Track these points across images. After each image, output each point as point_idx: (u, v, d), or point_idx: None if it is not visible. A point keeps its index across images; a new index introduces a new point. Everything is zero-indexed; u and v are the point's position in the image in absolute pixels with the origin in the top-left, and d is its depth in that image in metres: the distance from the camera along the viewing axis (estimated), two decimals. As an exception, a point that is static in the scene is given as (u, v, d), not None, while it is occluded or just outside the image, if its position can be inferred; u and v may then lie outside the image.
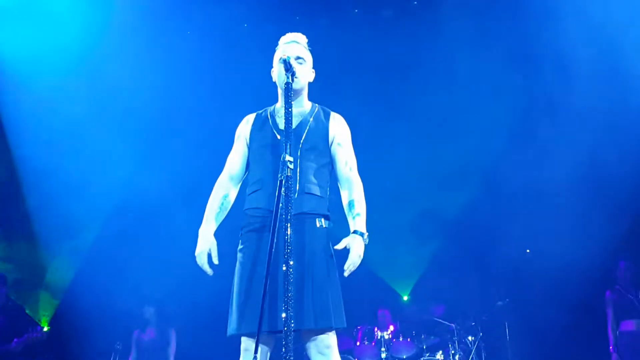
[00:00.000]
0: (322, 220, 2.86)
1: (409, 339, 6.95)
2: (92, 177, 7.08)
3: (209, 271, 2.90)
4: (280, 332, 2.41)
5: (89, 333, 6.73)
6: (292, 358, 2.32)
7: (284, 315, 2.38)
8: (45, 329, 7.04)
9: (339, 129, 3.07)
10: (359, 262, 2.79)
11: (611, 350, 6.19)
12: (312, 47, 3.16)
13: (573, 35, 6.32)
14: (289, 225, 2.48)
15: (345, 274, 2.78)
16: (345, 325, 2.79)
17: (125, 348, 6.75)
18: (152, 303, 7.01)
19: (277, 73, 3.04)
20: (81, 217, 7.29)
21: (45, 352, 6.13)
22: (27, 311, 6.39)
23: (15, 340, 5.53)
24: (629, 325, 6.11)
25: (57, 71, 6.58)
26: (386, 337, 6.90)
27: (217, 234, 2.99)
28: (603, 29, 6.23)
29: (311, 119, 3.03)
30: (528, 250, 7.89)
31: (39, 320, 7.35)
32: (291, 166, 2.55)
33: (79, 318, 6.86)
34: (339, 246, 2.81)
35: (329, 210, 2.94)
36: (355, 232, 2.84)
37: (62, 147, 6.89)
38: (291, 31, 3.16)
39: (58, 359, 6.60)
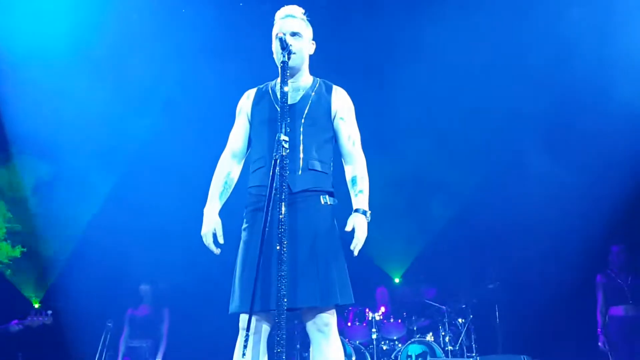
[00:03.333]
0: (327, 197, 2.84)
1: (399, 321, 7.00)
2: (87, 160, 7.04)
3: (216, 250, 2.88)
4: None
5: (80, 312, 6.73)
6: (284, 336, 2.34)
7: (277, 295, 2.38)
8: (37, 306, 7.04)
9: (341, 103, 3.02)
10: (363, 239, 2.79)
11: (599, 332, 6.25)
12: (311, 22, 3.09)
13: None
14: (283, 204, 2.47)
15: (355, 253, 2.78)
16: (352, 301, 2.78)
17: (117, 326, 6.75)
18: (147, 281, 7.03)
19: (274, 49, 2.98)
20: (77, 195, 7.26)
21: (46, 337, 6.07)
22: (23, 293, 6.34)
23: (15, 321, 5.43)
24: (619, 310, 6.16)
25: (51, 60, 6.52)
26: (377, 318, 6.95)
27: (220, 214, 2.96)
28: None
29: (313, 93, 2.98)
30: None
31: (30, 299, 7.35)
32: (286, 145, 2.53)
33: (70, 296, 6.87)
34: (348, 228, 2.80)
35: (333, 187, 2.92)
36: (357, 210, 2.83)
37: (60, 129, 6.83)
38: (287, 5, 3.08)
39: (47, 339, 6.57)
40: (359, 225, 2.79)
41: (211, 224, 2.88)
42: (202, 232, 2.88)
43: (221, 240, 2.90)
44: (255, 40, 3.99)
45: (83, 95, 6.80)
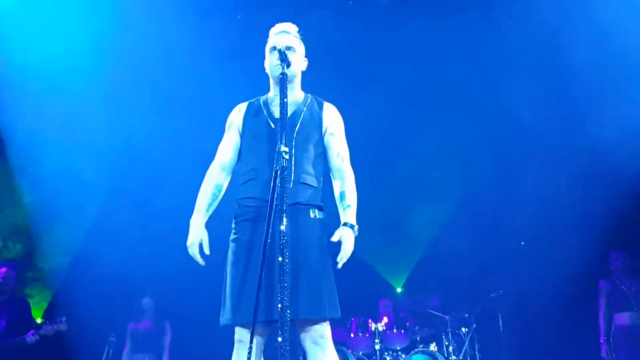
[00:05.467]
0: (316, 211, 2.87)
1: (402, 331, 6.97)
2: (88, 167, 7.05)
3: (201, 262, 2.90)
4: (275, 322, 2.41)
5: (82, 325, 6.71)
6: (288, 348, 2.33)
7: (279, 305, 2.38)
8: (39, 320, 7.01)
9: (332, 119, 3.07)
10: (350, 252, 2.81)
11: (601, 341, 6.20)
12: (306, 37, 3.15)
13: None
14: (284, 215, 2.48)
15: (339, 265, 2.80)
16: (339, 315, 2.79)
17: (120, 340, 6.74)
18: (150, 294, 7.02)
19: (269, 63, 3.04)
20: (75, 208, 7.26)
21: (50, 353, 6.06)
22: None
23: (32, 332, 5.42)
24: (623, 319, 6.10)
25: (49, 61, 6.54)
26: (380, 328, 6.92)
27: (209, 225, 2.97)
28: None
29: (305, 109, 3.02)
30: (522, 243, 7.92)
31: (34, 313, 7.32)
32: (286, 156, 2.55)
33: (73, 311, 6.83)
34: (334, 238, 2.82)
35: (322, 201, 2.94)
36: (345, 224, 2.86)
37: (56, 135, 6.84)
38: (284, 22, 3.16)
39: (51, 354, 6.55)
40: (346, 239, 2.81)
41: (197, 235, 2.89)
42: (188, 243, 2.89)
43: (207, 252, 2.91)
44: (252, 54, 4.03)
45: (86, 111, 6.84)
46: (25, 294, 7.31)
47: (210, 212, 3.00)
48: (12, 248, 7.33)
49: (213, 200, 3.01)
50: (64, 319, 5.53)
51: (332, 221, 2.95)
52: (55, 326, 5.46)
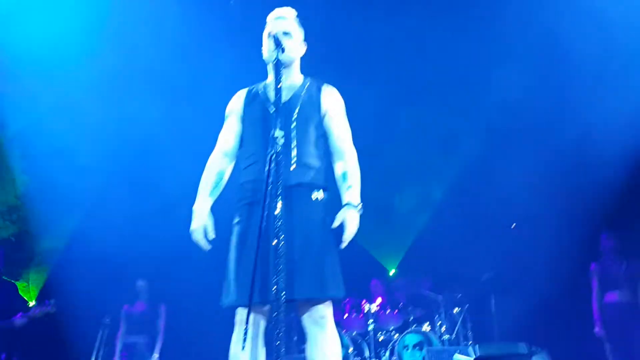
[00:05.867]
0: (320, 191, 2.87)
1: (396, 311, 7.01)
2: (83, 149, 7.02)
3: (206, 247, 2.89)
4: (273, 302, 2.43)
5: (76, 308, 6.73)
6: (283, 329, 2.35)
7: (274, 288, 2.39)
8: (32, 303, 7.02)
9: (331, 101, 3.06)
10: (354, 232, 2.81)
11: (595, 319, 6.28)
12: (303, 22, 3.13)
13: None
14: (279, 199, 2.49)
15: (342, 245, 2.80)
16: (343, 293, 2.81)
17: (114, 323, 6.75)
18: (143, 277, 7.03)
19: (266, 49, 3.03)
20: (71, 189, 7.23)
21: (43, 335, 6.06)
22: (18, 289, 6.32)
23: (20, 314, 5.41)
24: (613, 296, 6.19)
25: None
26: (373, 309, 6.96)
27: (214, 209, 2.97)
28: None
29: (303, 92, 3.02)
30: (514, 225, 7.95)
31: (27, 295, 7.33)
32: (280, 142, 2.55)
33: (67, 293, 6.85)
34: (335, 224, 2.82)
35: (325, 182, 2.94)
36: (348, 204, 2.85)
37: (54, 121, 6.79)
38: (279, 7, 3.13)
39: (45, 336, 6.56)
40: (349, 218, 2.80)
41: (201, 221, 2.89)
42: (191, 228, 2.90)
43: (212, 236, 2.91)
44: (248, 41, 4.00)
45: (80, 93, 6.79)
46: (20, 275, 7.31)
47: (214, 198, 3.01)
48: (4, 227, 7.31)
49: (216, 186, 3.01)
50: (52, 301, 5.52)
51: (337, 202, 2.93)
52: (43, 308, 5.46)
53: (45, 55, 6.49)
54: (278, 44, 2.82)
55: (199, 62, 7.01)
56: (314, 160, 2.90)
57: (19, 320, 5.39)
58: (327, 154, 3.03)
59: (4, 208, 7.32)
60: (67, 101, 6.82)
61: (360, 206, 2.86)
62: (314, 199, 2.84)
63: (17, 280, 7.13)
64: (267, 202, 2.50)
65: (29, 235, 7.45)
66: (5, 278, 6.14)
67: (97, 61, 6.68)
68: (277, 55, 2.78)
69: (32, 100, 6.71)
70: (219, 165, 3.05)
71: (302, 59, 3.16)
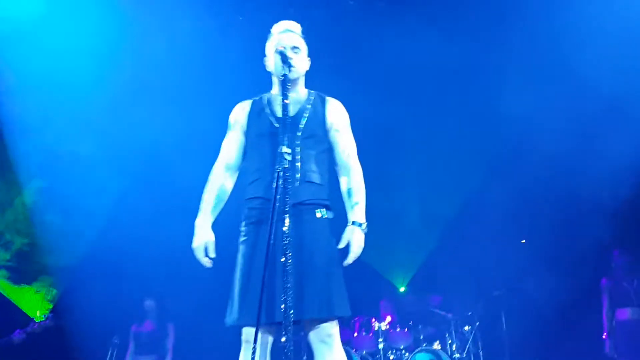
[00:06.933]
0: (323, 210, 2.84)
1: (406, 330, 6.97)
2: (94, 170, 7.06)
3: (207, 264, 2.86)
4: (280, 323, 2.41)
5: (86, 327, 6.72)
6: (292, 349, 2.33)
7: (282, 306, 2.38)
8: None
9: (336, 115, 3.03)
10: (360, 252, 2.79)
11: (604, 337, 6.20)
12: (307, 37, 3.12)
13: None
14: (286, 216, 2.48)
15: (345, 263, 2.78)
16: (349, 313, 2.77)
17: (123, 342, 6.74)
18: (152, 296, 7.02)
19: (273, 63, 3.00)
20: (83, 210, 7.27)
21: (53, 355, 6.05)
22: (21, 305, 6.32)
23: (17, 330, 5.40)
24: (624, 313, 6.12)
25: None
26: (383, 327, 6.92)
27: (215, 226, 2.94)
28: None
29: (309, 106, 2.98)
30: (523, 241, 7.91)
31: (36, 316, 7.33)
32: (288, 157, 2.54)
33: (76, 312, 6.86)
34: (341, 244, 2.79)
35: (329, 199, 2.91)
36: (353, 223, 2.83)
37: (65, 141, 6.85)
38: (283, 19, 3.11)
39: (55, 355, 6.55)
40: (355, 238, 2.78)
41: (203, 238, 2.86)
42: (193, 246, 2.86)
43: (212, 255, 2.86)
44: (251, 53, 4.02)
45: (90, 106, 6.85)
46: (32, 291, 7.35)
47: (216, 213, 2.97)
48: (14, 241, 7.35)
49: (218, 201, 2.97)
50: (50, 314, 5.53)
51: (342, 220, 2.91)
52: (42, 323, 5.46)
53: (59, 67, 6.54)
54: (285, 60, 2.80)
55: (209, 71, 7.02)
56: (318, 177, 2.86)
57: (17, 336, 5.38)
58: (331, 169, 3.00)
59: (15, 223, 7.35)
60: (79, 120, 6.87)
61: (365, 225, 2.83)
62: (318, 217, 2.81)
63: (25, 293, 7.14)
64: (274, 220, 2.48)
65: (37, 249, 7.46)
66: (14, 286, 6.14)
67: (111, 74, 6.71)
68: (285, 71, 2.77)
69: (43, 121, 6.77)
70: (221, 179, 3.01)
71: (311, 71, 3.14)
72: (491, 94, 7.27)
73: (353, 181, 2.93)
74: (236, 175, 3.08)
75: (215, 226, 2.95)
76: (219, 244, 2.92)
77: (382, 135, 7.50)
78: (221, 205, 3.00)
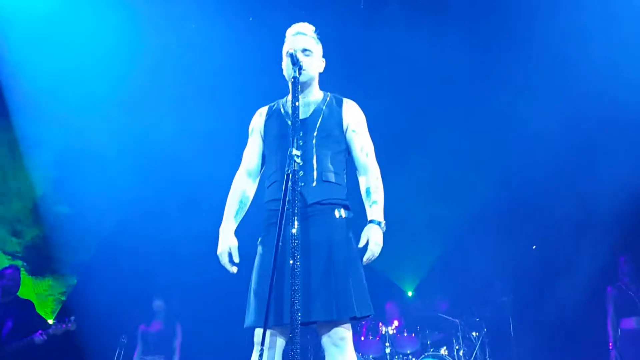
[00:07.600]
0: (342, 210, 2.84)
1: (413, 335, 6.95)
2: (104, 171, 7.10)
3: (232, 269, 2.87)
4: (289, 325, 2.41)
5: (94, 326, 6.75)
6: (298, 351, 2.33)
7: (293, 309, 2.38)
8: (51, 321, 7.06)
9: (352, 115, 3.04)
10: (378, 250, 2.77)
11: (610, 347, 6.15)
12: (323, 38, 3.12)
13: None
14: (295, 218, 2.48)
15: (364, 262, 2.77)
16: (372, 312, 2.75)
17: (131, 342, 6.77)
18: (160, 297, 7.05)
19: (285, 66, 3.03)
20: (92, 211, 7.31)
21: (61, 354, 6.08)
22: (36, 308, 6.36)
23: (39, 332, 5.43)
24: (630, 323, 6.06)
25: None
26: (390, 332, 6.91)
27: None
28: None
29: (324, 107, 3.01)
30: (534, 247, 7.89)
31: (45, 315, 7.38)
32: (298, 160, 2.55)
33: (85, 311, 6.89)
34: (361, 243, 2.79)
35: (347, 198, 2.92)
36: (372, 221, 2.82)
37: (78, 138, 6.89)
38: (299, 22, 3.13)
39: (62, 355, 6.58)
40: (373, 236, 2.77)
41: (226, 244, 2.88)
42: (218, 252, 2.88)
43: (236, 260, 2.88)
44: (268, 57, 4.03)
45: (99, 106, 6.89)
46: (39, 295, 7.39)
47: (239, 219, 3.00)
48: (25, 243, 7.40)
49: (241, 208, 3.01)
50: (72, 318, 5.55)
51: (361, 220, 2.91)
52: (64, 325, 5.49)
53: (74, 63, 6.58)
54: (295, 63, 2.81)
55: (221, 71, 7.03)
56: (335, 176, 2.87)
57: (38, 337, 5.42)
58: (349, 170, 3.01)
59: (22, 213, 7.40)
60: (100, 116, 6.91)
61: (383, 223, 2.83)
62: (337, 217, 2.81)
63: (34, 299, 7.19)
64: (283, 222, 2.49)
65: (50, 243, 7.49)
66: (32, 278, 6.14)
67: (125, 71, 6.73)
68: (295, 73, 2.78)
69: (61, 111, 6.81)
70: (243, 185, 3.04)
71: (322, 75, 3.15)
72: (501, 99, 7.25)
73: (371, 181, 2.94)
74: (257, 179, 3.11)
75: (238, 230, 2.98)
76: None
77: (389, 140, 7.48)
78: (243, 211, 3.03)
